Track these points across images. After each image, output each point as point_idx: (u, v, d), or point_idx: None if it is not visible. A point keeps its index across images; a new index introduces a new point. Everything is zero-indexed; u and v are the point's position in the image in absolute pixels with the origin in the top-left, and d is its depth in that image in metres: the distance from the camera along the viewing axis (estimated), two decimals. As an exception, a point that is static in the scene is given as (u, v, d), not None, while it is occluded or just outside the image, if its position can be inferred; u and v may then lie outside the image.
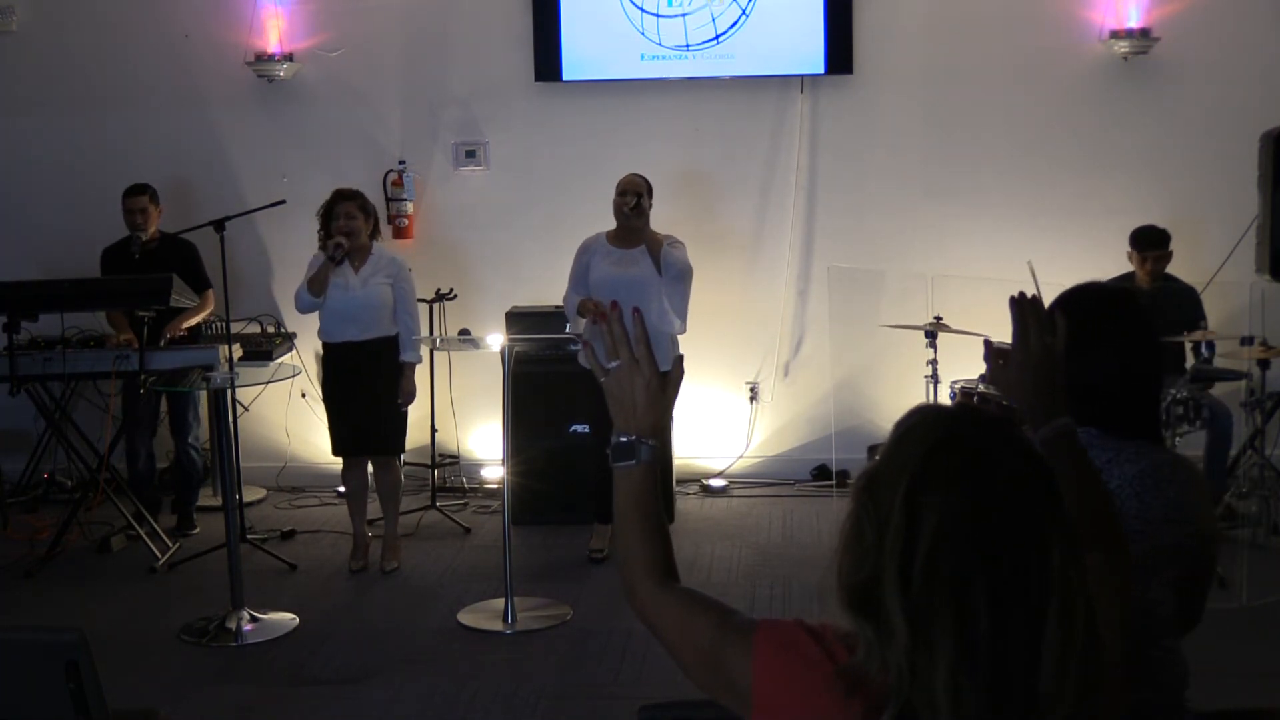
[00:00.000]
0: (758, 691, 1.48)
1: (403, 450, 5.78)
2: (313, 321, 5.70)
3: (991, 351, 1.97)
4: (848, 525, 1.39)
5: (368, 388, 5.53)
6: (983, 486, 1.33)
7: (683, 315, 5.50)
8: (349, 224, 5.45)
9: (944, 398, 6.04)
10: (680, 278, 5.45)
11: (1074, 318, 2.13)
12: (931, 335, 6.06)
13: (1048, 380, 1.86)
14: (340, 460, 5.75)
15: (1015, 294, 1.90)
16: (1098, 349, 2.21)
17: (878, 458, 1.41)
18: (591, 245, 5.66)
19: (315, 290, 5.44)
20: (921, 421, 1.41)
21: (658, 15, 6.64)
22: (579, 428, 6.00)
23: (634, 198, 5.48)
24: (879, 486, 1.37)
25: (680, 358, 1.78)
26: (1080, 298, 2.29)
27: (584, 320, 5.52)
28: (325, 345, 5.64)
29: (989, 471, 1.34)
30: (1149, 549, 2.13)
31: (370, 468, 5.73)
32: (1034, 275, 2.08)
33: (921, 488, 1.34)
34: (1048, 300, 2.02)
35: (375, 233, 5.66)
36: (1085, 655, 1.30)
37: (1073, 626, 1.30)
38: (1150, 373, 2.29)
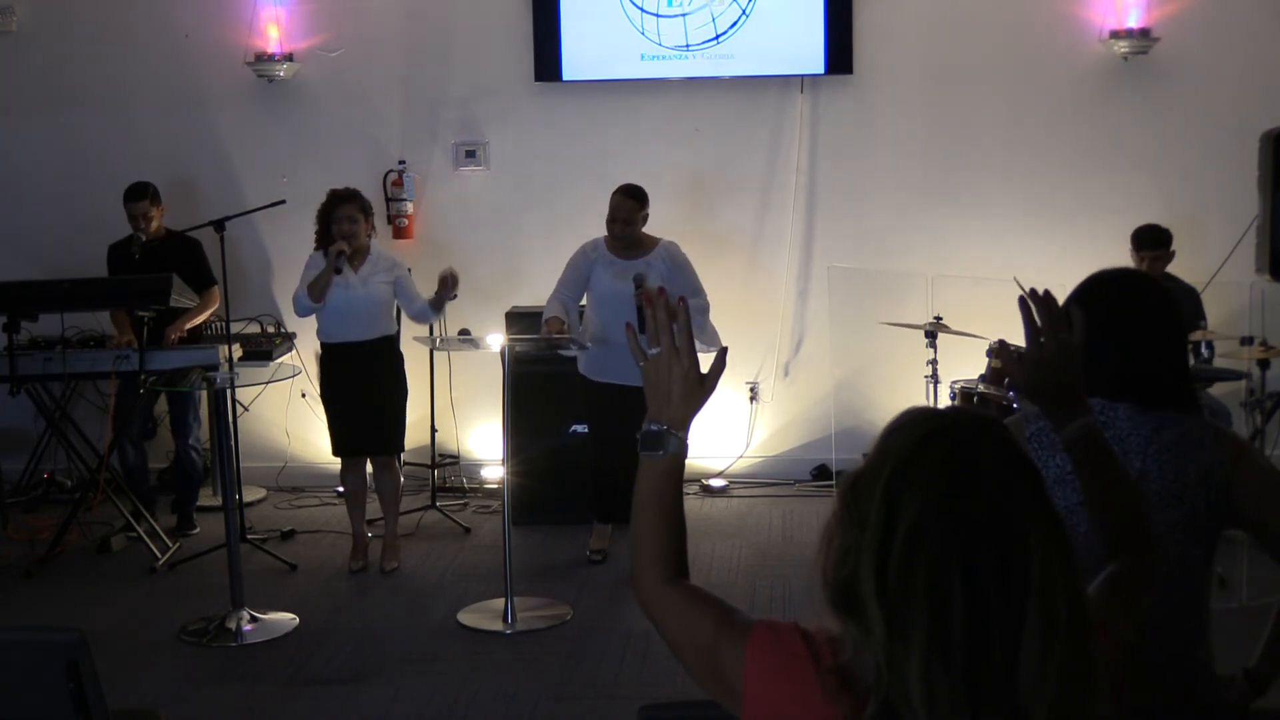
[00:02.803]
0: (748, 690, 1.49)
1: (402, 450, 5.78)
2: (313, 321, 5.69)
3: (1006, 352, 1.96)
4: (831, 524, 1.39)
5: (367, 387, 5.53)
6: (961, 481, 1.33)
7: (715, 340, 5.42)
8: (351, 228, 5.44)
9: (944, 397, 6.04)
10: (704, 324, 5.39)
11: (1101, 303, 2.16)
12: (931, 335, 6.07)
13: (1065, 378, 1.84)
14: (340, 460, 5.75)
15: (1025, 293, 1.88)
16: (1126, 330, 2.24)
17: (864, 459, 1.42)
18: (592, 253, 5.56)
19: (316, 296, 5.44)
20: (907, 421, 1.42)
21: (658, 15, 6.64)
22: (579, 428, 6.00)
23: (622, 225, 5.42)
24: (862, 485, 1.37)
25: (724, 350, 1.75)
26: (1102, 284, 2.32)
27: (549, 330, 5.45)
28: (324, 345, 5.64)
29: (969, 466, 1.35)
30: (1187, 512, 2.18)
31: (370, 468, 5.74)
32: (1020, 288, 2.08)
33: (901, 482, 1.34)
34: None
35: (372, 230, 5.66)
36: (1069, 653, 1.30)
37: (1053, 623, 1.29)
38: (1178, 345, 2.34)
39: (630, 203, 5.44)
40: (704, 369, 1.70)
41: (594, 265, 5.53)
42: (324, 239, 5.51)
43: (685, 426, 1.69)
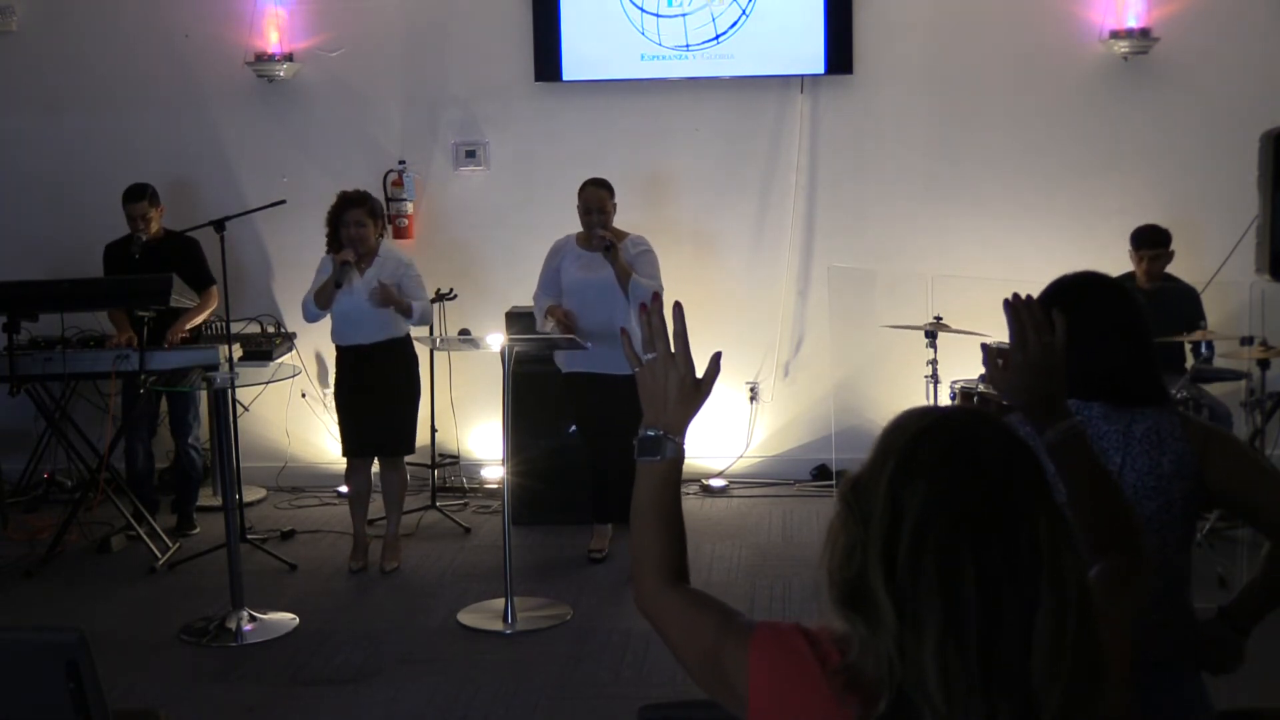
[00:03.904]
0: (754, 692, 1.49)
1: (412, 451, 5.77)
2: (317, 322, 5.70)
3: (990, 354, 1.97)
4: (834, 524, 1.40)
5: (377, 389, 5.53)
6: (965, 470, 1.34)
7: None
8: (358, 232, 5.43)
9: (944, 398, 6.04)
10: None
11: (1062, 308, 2.16)
12: (931, 335, 6.07)
13: (1049, 382, 1.85)
14: (343, 460, 5.75)
15: (1009, 296, 1.89)
16: (1091, 332, 2.27)
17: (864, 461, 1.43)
18: (561, 248, 5.67)
19: (321, 303, 5.45)
20: (905, 420, 1.43)
21: (658, 15, 6.64)
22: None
23: (599, 215, 5.48)
24: (863, 484, 1.38)
25: (718, 354, 1.74)
26: (1062, 290, 2.35)
27: (550, 322, 5.51)
28: (337, 348, 5.66)
29: (970, 456, 1.35)
30: (1164, 503, 2.24)
31: (375, 468, 5.73)
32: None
33: (904, 475, 1.35)
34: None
35: (383, 231, 5.65)
36: (1080, 636, 1.30)
37: (1064, 605, 1.30)
38: (1143, 341, 2.37)
39: (602, 193, 5.55)
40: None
41: (563, 259, 5.63)
42: (334, 241, 5.52)
43: (681, 431, 1.69)
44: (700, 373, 1.71)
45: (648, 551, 1.69)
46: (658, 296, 1.69)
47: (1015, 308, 1.87)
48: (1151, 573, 1.89)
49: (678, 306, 1.72)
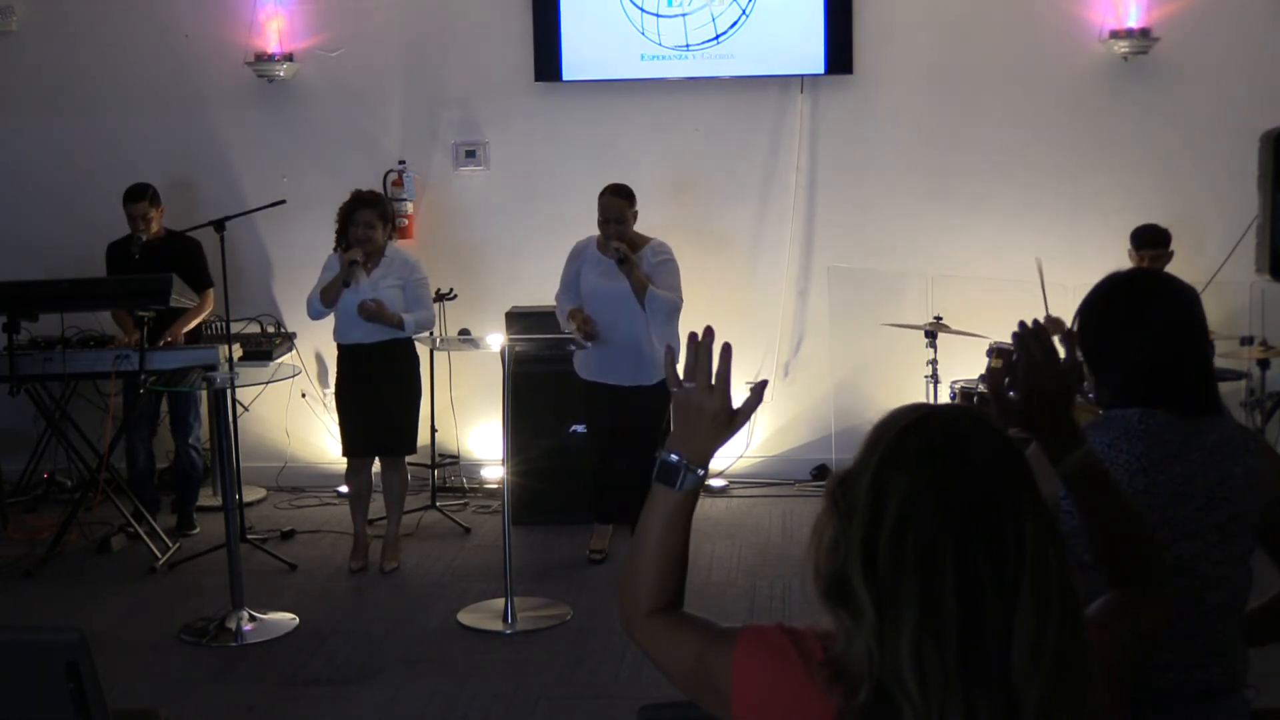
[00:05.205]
0: (737, 693, 1.51)
1: (413, 451, 5.77)
2: (313, 322, 5.69)
3: (997, 386, 1.90)
4: (821, 518, 1.40)
5: (378, 389, 5.53)
6: (950, 464, 1.34)
7: (675, 344, 5.44)
8: (366, 233, 5.44)
9: (944, 397, 6.04)
10: (668, 319, 5.40)
11: (1125, 302, 2.15)
12: (931, 335, 6.07)
13: (1061, 409, 1.82)
14: (343, 460, 5.75)
15: (1017, 328, 1.85)
16: (1155, 330, 2.20)
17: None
18: (582, 251, 5.62)
19: (327, 301, 5.46)
20: (893, 417, 1.44)
21: (658, 15, 6.64)
22: (579, 428, 6.01)
23: (615, 225, 5.42)
24: (850, 478, 1.39)
25: (763, 383, 1.73)
26: (1129, 283, 2.28)
27: (573, 325, 5.49)
28: (339, 346, 5.65)
29: (956, 451, 1.35)
30: (1233, 513, 2.16)
31: (377, 467, 5.73)
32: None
33: (889, 469, 1.35)
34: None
35: (392, 234, 5.65)
36: (1062, 633, 1.30)
37: (1046, 601, 1.30)
38: (1205, 345, 2.29)
39: (620, 201, 5.47)
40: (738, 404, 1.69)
41: (583, 264, 5.59)
42: (343, 238, 5.52)
43: (705, 462, 1.67)
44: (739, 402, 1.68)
45: (644, 580, 1.67)
46: (710, 331, 1.66)
47: (1024, 337, 1.84)
48: (1171, 615, 1.82)
49: (726, 347, 1.70)
